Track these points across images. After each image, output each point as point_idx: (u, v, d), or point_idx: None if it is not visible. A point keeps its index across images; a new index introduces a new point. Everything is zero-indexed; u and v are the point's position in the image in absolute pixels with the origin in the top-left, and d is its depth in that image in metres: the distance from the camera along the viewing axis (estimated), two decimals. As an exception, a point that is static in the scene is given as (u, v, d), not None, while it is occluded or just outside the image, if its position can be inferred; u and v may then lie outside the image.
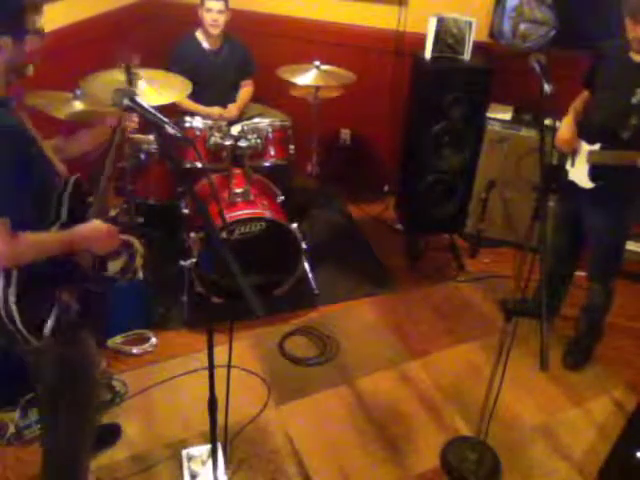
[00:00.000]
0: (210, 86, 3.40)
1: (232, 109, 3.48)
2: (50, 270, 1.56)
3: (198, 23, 3.40)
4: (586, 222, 2.62)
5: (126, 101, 1.51)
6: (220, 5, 3.29)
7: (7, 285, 1.50)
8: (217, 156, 3.02)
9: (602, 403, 2.68)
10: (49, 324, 1.58)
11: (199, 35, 3.43)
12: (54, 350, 1.67)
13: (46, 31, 1.59)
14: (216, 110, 3.40)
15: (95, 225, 1.66)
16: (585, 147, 2.46)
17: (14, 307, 1.50)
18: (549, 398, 2.70)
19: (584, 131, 2.50)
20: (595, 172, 2.44)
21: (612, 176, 2.40)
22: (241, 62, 3.58)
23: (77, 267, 1.67)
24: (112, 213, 3.04)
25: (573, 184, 2.54)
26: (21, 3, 1.52)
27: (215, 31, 3.35)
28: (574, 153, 2.52)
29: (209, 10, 3.28)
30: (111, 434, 2.40)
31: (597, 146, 2.41)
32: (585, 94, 2.59)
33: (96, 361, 1.94)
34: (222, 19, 3.32)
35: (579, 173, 2.50)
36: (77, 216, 1.68)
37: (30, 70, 1.62)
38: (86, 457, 1.99)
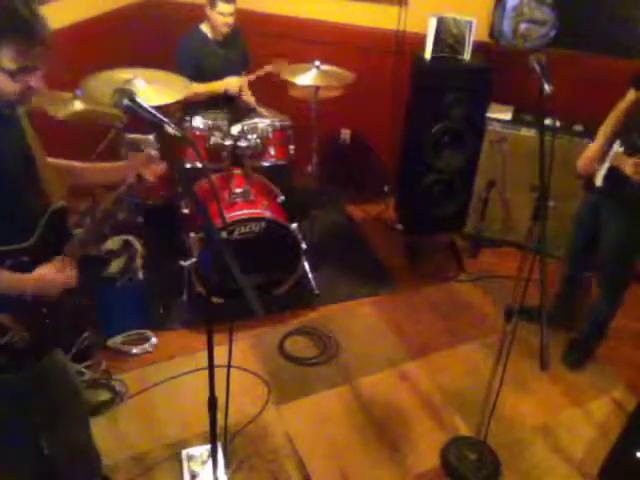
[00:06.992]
0: (217, 77, 3.38)
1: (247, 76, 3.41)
2: None
3: (201, 19, 3.39)
4: (601, 227, 2.59)
5: (126, 101, 1.50)
6: (233, 8, 3.29)
7: None
8: (217, 156, 3.02)
9: (602, 403, 2.69)
10: None
11: (204, 28, 3.40)
12: None
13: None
14: (234, 80, 3.32)
15: (45, 272, 1.58)
16: (616, 147, 2.40)
17: None
18: (549, 398, 2.70)
19: (627, 136, 2.38)
20: (609, 172, 2.42)
21: (621, 179, 2.35)
22: (243, 51, 3.58)
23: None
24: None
25: (593, 183, 2.53)
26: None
27: (226, 30, 3.36)
28: (592, 175, 2.49)
29: (222, 14, 3.28)
30: None
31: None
32: (632, 95, 2.45)
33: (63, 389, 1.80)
34: (233, 19, 3.33)
35: (600, 171, 2.48)
36: (50, 245, 1.60)
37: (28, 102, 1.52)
38: None
